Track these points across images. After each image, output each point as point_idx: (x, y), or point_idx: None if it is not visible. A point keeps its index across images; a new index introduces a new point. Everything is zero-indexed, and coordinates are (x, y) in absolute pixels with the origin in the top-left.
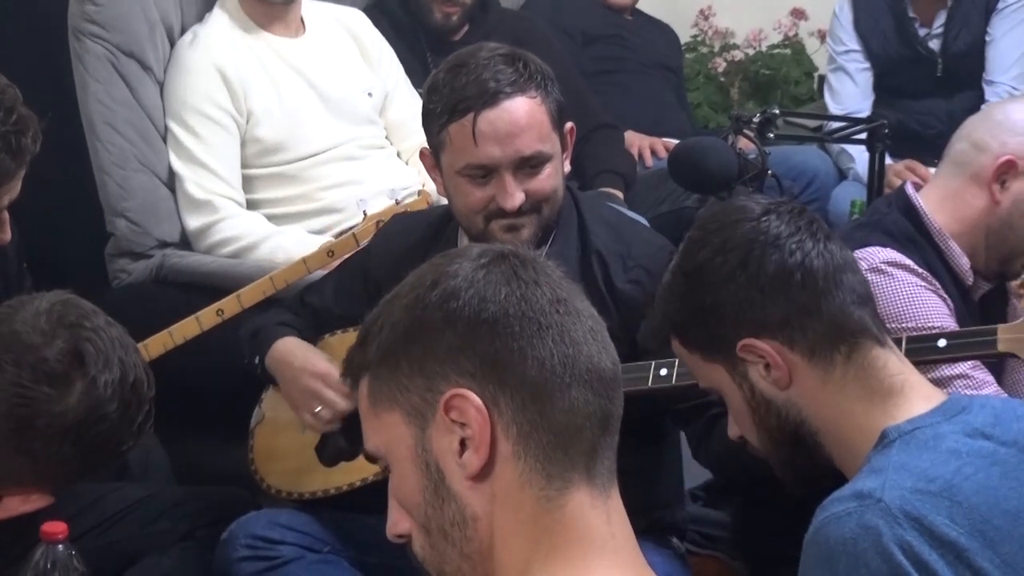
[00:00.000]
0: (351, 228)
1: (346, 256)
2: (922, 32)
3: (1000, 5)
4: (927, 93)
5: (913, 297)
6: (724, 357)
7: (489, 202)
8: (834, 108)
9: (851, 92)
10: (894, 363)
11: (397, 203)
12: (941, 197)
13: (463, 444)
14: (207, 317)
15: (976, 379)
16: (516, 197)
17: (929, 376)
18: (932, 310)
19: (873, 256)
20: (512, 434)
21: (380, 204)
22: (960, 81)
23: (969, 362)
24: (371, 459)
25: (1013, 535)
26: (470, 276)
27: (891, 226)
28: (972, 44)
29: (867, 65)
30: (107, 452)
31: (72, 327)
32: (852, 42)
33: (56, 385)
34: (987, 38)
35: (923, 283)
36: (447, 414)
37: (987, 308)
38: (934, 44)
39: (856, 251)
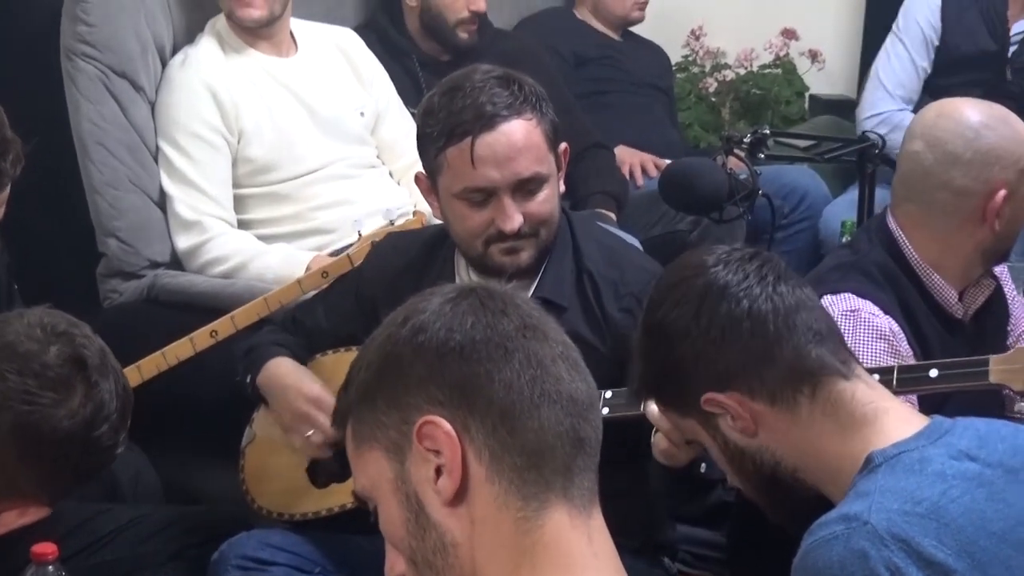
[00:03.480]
0: (346, 248)
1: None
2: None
3: None
4: None
5: (860, 348)
6: (695, 411)
7: (488, 225)
8: (882, 81)
9: (904, 71)
10: (863, 392)
11: (392, 223)
12: (928, 238)
13: (439, 472)
14: (201, 338)
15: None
16: (515, 219)
17: None
18: (872, 360)
19: (835, 308)
20: (484, 457)
21: (375, 224)
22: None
23: None
24: (361, 501)
25: (999, 556)
26: (438, 310)
27: (870, 266)
28: None
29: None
30: (106, 455)
31: (65, 335)
32: (930, 30)
33: (59, 390)
34: None
35: (877, 335)
36: (420, 443)
37: (981, 325)
38: (1010, 51)
39: (828, 296)
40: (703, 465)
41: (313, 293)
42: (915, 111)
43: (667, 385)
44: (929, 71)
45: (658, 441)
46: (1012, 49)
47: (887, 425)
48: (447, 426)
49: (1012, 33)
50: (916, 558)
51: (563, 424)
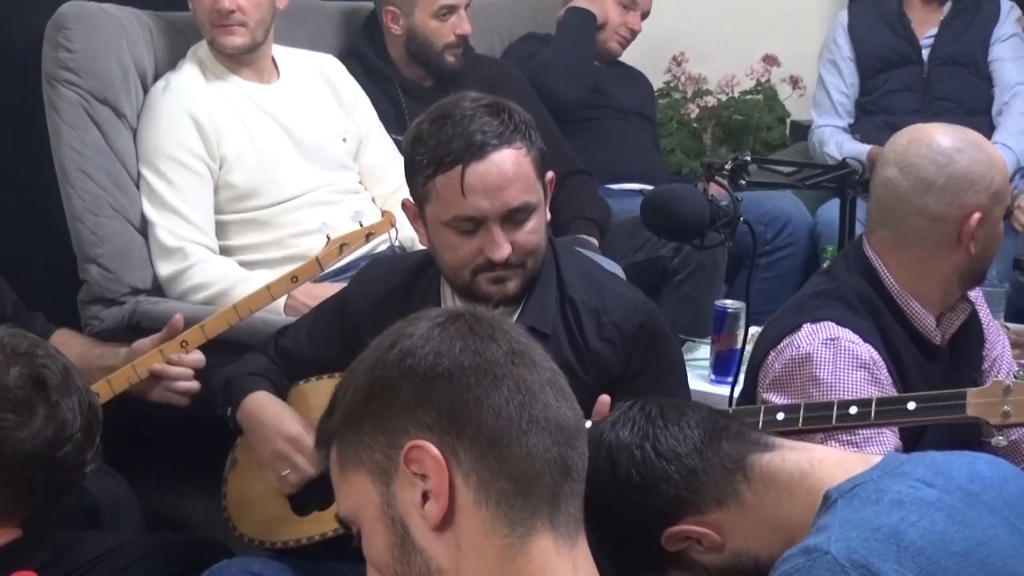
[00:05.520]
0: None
1: (309, 280)
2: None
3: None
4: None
5: (840, 376)
6: (665, 561)
7: (476, 254)
8: (823, 100)
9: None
10: (791, 454)
11: (361, 225)
12: (904, 264)
13: (425, 497)
14: (171, 348)
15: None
16: (504, 249)
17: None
18: (852, 389)
19: (815, 336)
20: (472, 482)
21: (345, 229)
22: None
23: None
24: (344, 526)
25: None
26: (426, 334)
27: (848, 293)
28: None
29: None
30: (74, 474)
31: (26, 355)
32: (844, 44)
33: (20, 412)
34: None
35: (857, 364)
36: (408, 467)
37: (957, 349)
38: (924, 54)
39: (807, 325)
40: None
41: (283, 300)
42: (855, 121)
43: (629, 556)
44: (856, 80)
45: None
46: (926, 52)
47: (827, 469)
48: (435, 451)
49: (923, 37)
50: None
51: (551, 451)
